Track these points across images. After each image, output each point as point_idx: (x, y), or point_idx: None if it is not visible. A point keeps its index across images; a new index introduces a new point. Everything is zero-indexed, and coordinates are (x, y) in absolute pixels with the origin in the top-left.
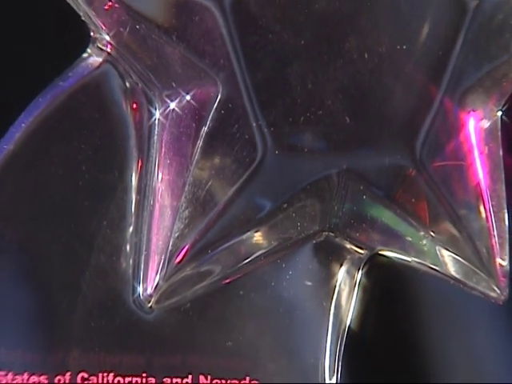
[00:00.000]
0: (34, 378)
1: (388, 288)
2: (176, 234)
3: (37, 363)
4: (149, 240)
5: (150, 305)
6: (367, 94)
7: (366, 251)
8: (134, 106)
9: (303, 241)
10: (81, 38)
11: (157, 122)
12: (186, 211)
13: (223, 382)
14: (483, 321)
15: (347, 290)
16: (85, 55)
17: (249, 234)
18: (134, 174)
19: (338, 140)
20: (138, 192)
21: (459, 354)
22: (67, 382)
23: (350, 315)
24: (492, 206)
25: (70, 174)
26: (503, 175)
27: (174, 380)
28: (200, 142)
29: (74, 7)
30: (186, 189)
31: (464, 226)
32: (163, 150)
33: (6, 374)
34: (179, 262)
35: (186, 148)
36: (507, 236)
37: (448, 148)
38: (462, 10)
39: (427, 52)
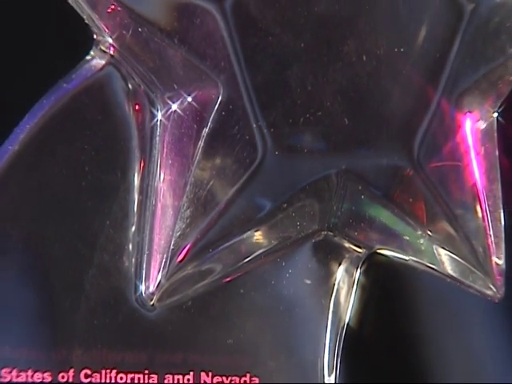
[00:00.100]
0: (38, 375)
1: (386, 286)
2: (178, 234)
3: (41, 360)
4: (151, 239)
5: (152, 303)
6: (366, 95)
7: (365, 250)
8: (137, 107)
9: (303, 240)
10: (84, 40)
11: (159, 123)
12: (188, 211)
13: (224, 379)
14: (479, 318)
15: (346, 288)
16: (88, 57)
17: (249, 233)
18: (136, 175)
19: (336, 141)
20: (141, 192)
21: (456, 350)
22: (71, 378)
23: (348, 313)
24: (488, 205)
25: (74, 175)
26: (499, 175)
27: (176, 377)
28: (201, 143)
29: (78, 10)
30: (187, 189)
31: (461, 226)
32: (165, 150)
33: (11, 371)
34: (181, 261)
35: (187, 149)
36: (503, 235)
37: (445, 149)
38: (459, 13)
39: (424, 54)
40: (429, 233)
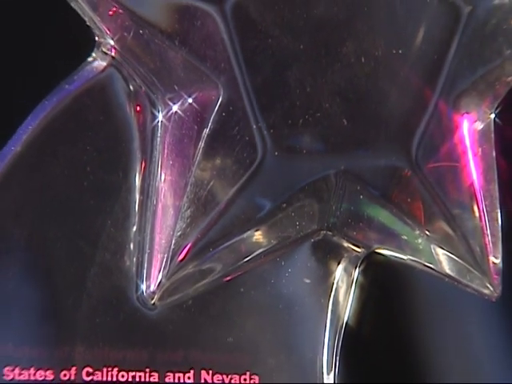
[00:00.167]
0: (41, 373)
1: (384, 285)
2: (178, 233)
3: (43, 358)
4: (152, 239)
5: (153, 302)
6: (364, 97)
7: (363, 249)
8: (138, 108)
9: (302, 239)
10: (86, 42)
11: (160, 124)
12: (188, 211)
13: (224, 377)
14: (477, 317)
15: (345, 287)
16: (90, 59)
17: (249, 232)
18: (137, 175)
19: (335, 142)
20: (142, 192)
21: (453, 348)
22: (73, 376)
23: (347, 312)
24: (485, 205)
25: (76, 175)
26: (496, 176)
27: (177, 375)
28: (202, 144)
29: (80, 13)
30: (188, 189)
31: (458, 225)
32: (166, 151)
33: (14, 369)
34: (181, 260)
35: (188, 149)
36: (500, 235)
37: (443, 149)
38: (457, 15)
39: (422, 56)
40: (427, 232)
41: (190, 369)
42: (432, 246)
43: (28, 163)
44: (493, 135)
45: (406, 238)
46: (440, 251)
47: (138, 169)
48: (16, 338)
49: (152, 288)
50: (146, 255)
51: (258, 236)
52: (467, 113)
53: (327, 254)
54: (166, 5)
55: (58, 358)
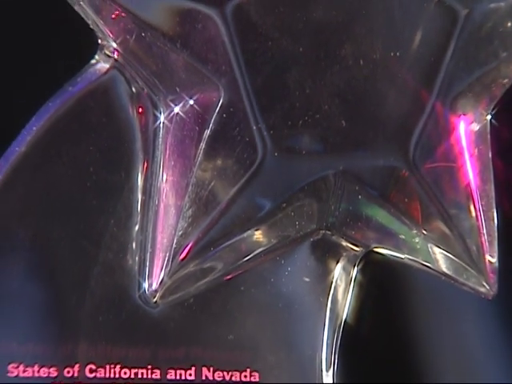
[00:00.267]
0: (45, 370)
1: (382, 284)
2: (180, 233)
3: (47, 355)
4: (154, 238)
5: (155, 300)
6: (362, 98)
7: (362, 249)
8: (140, 110)
9: (301, 239)
10: (89, 45)
11: (161, 125)
12: (190, 210)
13: (225, 373)
14: (473, 314)
15: (343, 285)
16: (93, 61)
17: (249, 232)
18: (139, 175)
19: (334, 142)
20: (144, 192)
21: (450, 345)
22: (76, 373)
23: (346, 310)
24: (482, 205)
25: (79, 175)
26: (492, 176)
27: (178, 372)
28: (203, 145)
29: (83, 16)
30: (189, 189)
31: (455, 225)
32: (168, 152)
33: (18, 366)
34: (183, 259)
35: (189, 150)
36: (496, 234)
37: (439, 150)
38: (453, 18)
39: (420, 58)
40: (424, 232)
41: (192, 366)
42: (429, 245)
43: (32, 164)
44: (489, 136)
45: (403, 237)
46: (437, 250)
47: (140, 169)
48: (20, 336)
49: (154, 286)
50: (148, 254)
51: (258, 235)
52: (464, 114)
53: (326, 252)
54: (167, 8)
55: (62, 355)
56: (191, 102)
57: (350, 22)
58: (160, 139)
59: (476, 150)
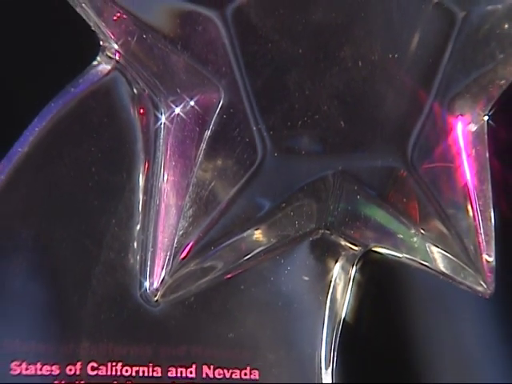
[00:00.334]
0: (47, 368)
1: (381, 283)
2: (181, 232)
3: (49, 353)
4: (155, 237)
5: (156, 298)
6: (361, 99)
7: (360, 248)
8: (141, 111)
9: (301, 238)
10: (91, 46)
11: (162, 126)
12: (190, 210)
13: (225, 371)
14: (470, 313)
15: (342, 284)
16: (95, 63)
17: (249, 231)
18: (141, 175)
19: (333, 143)
20: (145, 192)
21: (447, 343)
22: (78, 371)
23: (344, 308)
24: (479, 205)
25: (81, 175)
26: (489, 176)
27: (179, 370)
28: (203, 145)
29: (85, 18)
30: (190, 189)
31: (452, 225)
32: (168, 152)
33: (21, 364)
34: (184, 258)
35: (190, 151)
36: (493, 234)
37: (437, 150)
38: (451, 20)
39: (418, 60)
40: (422, 231)
41: (192, 364)
42: (427, 245)
43: (34, 164)
44: (486, 137)
45: (401, 236)
46: (435, 249)
47: (141, 169)
48: (23, 334)
49: (155, 285)
50: (150, 253)
51: (258, 235)
52: (461, 115)
53: (325, 252)
54: (168, 10)
55: (64, 353)
56: (192, 103)
57: (349, 24)
58: (161, 140)
59: (473, 151)
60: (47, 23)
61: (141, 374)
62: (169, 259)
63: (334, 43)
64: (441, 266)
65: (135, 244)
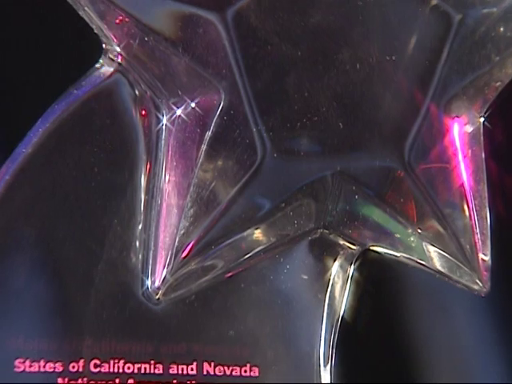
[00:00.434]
0: (50, 365)
1: (378, 281)
2: (182, 231)
3: (53, 351)
4: (156, 237)
5: (157, 297)
6: (359, 101)
7: (358, 247)
8: (143, 112)
9: (300, 237)
10: (93, 49)
11: (164, 127)
12: (191, 210)
13: (225, 368)
14: (466, 311)
15: (340, 283)
16: (97, 65)
17: (249, 231)
18: (142, 176)
19: (332, 144)
20: (147, 192)
21: (443, 340)
22: (81, 368)
23: (343, 306)
24: (475, 205)
25: (84, 176)
26: (485, 177)
27: (180, 367)
28: (204, 146)
29: (88, 21)
30: (191, 189)
31: (449, 224)
32: (170, 153)
33: (24, 361)
34: (185, 257)
35: (191, 151)
36: (489, 233)
37: (434, 151)
38: (447, 23)
39: (415, 62)
40: (419, 231)
41: (193, 361)
42: (424, 244)
43: (38, 165)
44: (482, 138)
45: (399, 236)
46: (431, 248)
47: (143, 170)
48: (27, 332)
49: (157, 284)
50: (151, 252)
51: (257, 234)
52: (458, 116)
53: (324, 251)
54: (170, 13)
55: (67, 350)
56: (193, 104)
57: (347, 27)
58: (162, 141)
59: (469, 152)
60: (51, 26)
61: (142, 370)
62: (170, 258)
63: (333, 46)
64: (437, 264)
65: (137, 243)
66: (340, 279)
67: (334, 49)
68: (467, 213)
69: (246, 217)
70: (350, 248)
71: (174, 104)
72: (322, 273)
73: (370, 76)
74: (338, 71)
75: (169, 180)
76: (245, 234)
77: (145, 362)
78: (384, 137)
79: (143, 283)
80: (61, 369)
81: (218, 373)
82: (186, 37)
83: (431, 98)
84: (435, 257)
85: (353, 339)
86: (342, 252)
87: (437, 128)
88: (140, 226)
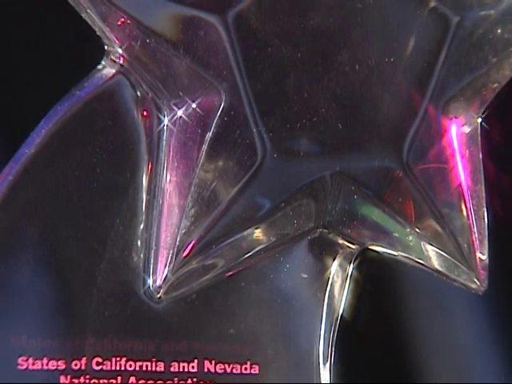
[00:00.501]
0: (53, 363)
1: (377, 280)
2: (183, 231)
3: (55, 349)
4: (158, 236)
5: (159, 296)
6: (358, 102)
7: (357, 246)
8: (145, 113)
9: (299, 237)
10: (96, 51)
11: (165, 128)
12: (192, 210)
13: (226, 366)
14: (463, 309)
15: (340, 281)
16: (99, 67)
17: (249, 230)
18: (144, 176)
19: (331, 144)
20: (148, 192)
21: (441, 337)
22: (83, 366)
23: (342, 305)
24: (472, 204)
25: (86, 176)
26: (483, 177)
27: (181, 364)
28: (205, 147)
29: (90, 23)
30: (192, 189)
31: (447, 223)
32: (171, 153)
33: (27, 359)
34: (186, 257)
35: (192, 152)
36: (486, 232)
37: (432, 152)
38: (445, 25)
39: (413, 64)
40: (417, 230)
41: (194, 359)
42: (422, 243)
43: (41, 165)
44: (479, 138)
45: (397, 235)
46: (430, 248)
47: (145, 170)
48: (30, 330)
49: (158, 283)
50: (153, 252)
51: (258, 233)
52: (455, 117)
53: (323, 250)
54: (171, 15)
55: (70, 348)
56: (194, 105)
57: (347, 29)
58: (164, 141)
59: (467, 152)
60: (54, 29)
61: (144, 368)
62: (171, 257)
63: (332, 48)
64: (435, 263)
65: (139, 242)
66: (339, 278)
67: (333, 51)
68: (465, 212)
69: (246, 216)
70: (349, 247)
71: (175, 105)
72: (321, 272)
73: (368, 77)
74: (338, 73)
75: (170, 180)
76: (245, 233)
77: (146, 360)
78: (383, 137)
79: (145, 282)
80: (63, 367)
81: (218, 370)
82: (187, 39)
83: (429, 99)
84: (433, 256)
85: (352, 337)
86: (341, 251)
87: (435, 129)
88: (142, 226)
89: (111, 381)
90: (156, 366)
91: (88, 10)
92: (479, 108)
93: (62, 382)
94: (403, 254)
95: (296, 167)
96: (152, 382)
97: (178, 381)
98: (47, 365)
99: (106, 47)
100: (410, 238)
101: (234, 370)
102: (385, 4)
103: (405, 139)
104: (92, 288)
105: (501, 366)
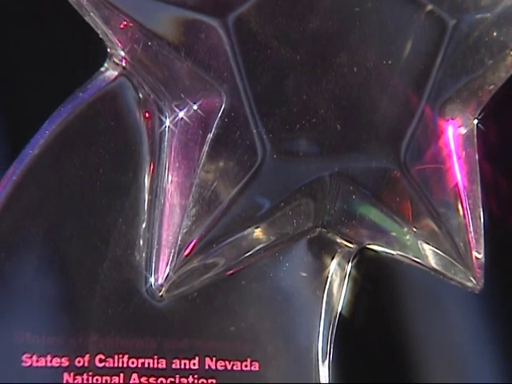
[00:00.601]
0: (57, 360)
1: (375, 279)
2: (184, 230)
3: (59, 346)
4: (160, 235)
5: (160, 294)
6: (356, 104)
7: (355, 245)
8: (147, 114)
9: (299, 236)
10: (99, 53)
11: (167, 129)
12: (194, 209)
13: (227, 363)
14: (460, 307)
15: (338, 280)
16: (102, 69)
17: (250, 229)
18: (146, 176)
19: (330, 145)
20: (150, 192)
21: (438, 336)
22: (86, 363)
23: (340, 303)
24: (469, 204)
25: (89, 176)
26: (479, 177)
27: (183, 362)
28: (206, 147)
29: (93, 26)
30: (193, 189)
31: (443, 223)
32: (173, 154)
33: (31, 356)
34: (187, 255)
35: (193, 152)
36: (482, 232)
37: (429, 152)
38: (442, 28)
39: (410, 66)
40: (414, 229)
41: (195, 356)
42: (419, 242)
43: (45, 165)
44: (476, 139)
45: (395, 234)
46: (426, 247)
47: (146, 170)
48: (34, 327)
49: (160, 281)
50: (155, 251)
51: (258, 233)
52: (452, 119)
53: (322, 249)
54: (173, 18)
55: (73, 345)
56: (195, 107)
57: (345, 32)
58: (165, 142)
59: (463, 153)
60: (57, 31)
61: (146, 365)
62: (173, 256)
63: (331, 50)
64: (432, 262)
65: (141, 241)
66: (338, 277)
67: (332, 53)
68: (461, 212)
69: (246, 216)
70: (347, 246)
71: (177, 106)
72: (320, 270)
73: (367, 79)
74: (336, 75)
75: (172, 180)
76: (245, 232)
77: (148, 357)
78: (380, 138)
79: (147, 280)
80: (67, 363)
81: (219, 367)
82: (188, 41)
83: (426, 100)
84: (430, 255)
85: (350, 335)
86: (339, 250)
87: (432, 130)
88: (144, 225)
89: (114, 378)
90: (158, 363)
91: (91, 13)
92: (475, 109)
93: (65, 378)
94: (400, 253)
95: (295, 167)
96: (154, 378)
97: (180, 378)
98: (51, 362)
99: (108, 50)
100: (408, 237)
101: (235, 367)
102: (382, 8)
103: (402, 140)
104: (95, 286)
105: (497, 365)
